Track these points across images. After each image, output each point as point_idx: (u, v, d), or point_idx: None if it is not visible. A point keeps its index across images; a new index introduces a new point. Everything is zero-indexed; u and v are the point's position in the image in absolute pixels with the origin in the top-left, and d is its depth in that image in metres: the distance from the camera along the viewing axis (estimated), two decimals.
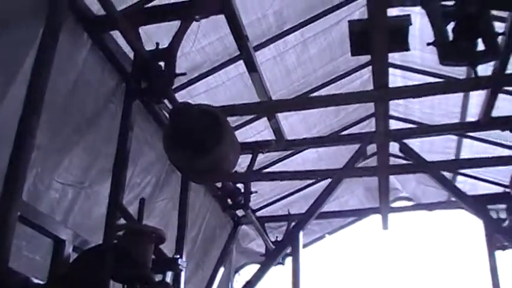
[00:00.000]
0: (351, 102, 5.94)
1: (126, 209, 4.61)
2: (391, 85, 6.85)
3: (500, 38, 4.05)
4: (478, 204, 6.44)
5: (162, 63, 4.71)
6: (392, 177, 9.70)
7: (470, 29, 3.93)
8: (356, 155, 6.42)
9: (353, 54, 4.77)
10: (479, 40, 4.02)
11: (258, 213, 9.51)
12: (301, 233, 6.61)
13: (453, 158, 8.45)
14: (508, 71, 5.47)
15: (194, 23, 4.79)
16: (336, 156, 8.08)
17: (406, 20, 4.43)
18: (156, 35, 4.88)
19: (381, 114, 5.47)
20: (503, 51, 4.59)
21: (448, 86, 5.16)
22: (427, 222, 14.13)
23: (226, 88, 6.32)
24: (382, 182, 6.96)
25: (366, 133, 6.82)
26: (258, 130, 7.28)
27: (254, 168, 6.74)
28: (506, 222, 7.50)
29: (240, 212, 8.74)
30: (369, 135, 6.54)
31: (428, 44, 4.01)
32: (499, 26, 4.23)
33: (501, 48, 4.08)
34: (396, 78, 7.12)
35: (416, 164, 6.33)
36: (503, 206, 7.72)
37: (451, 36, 4.02)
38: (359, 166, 6.50)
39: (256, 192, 7.67)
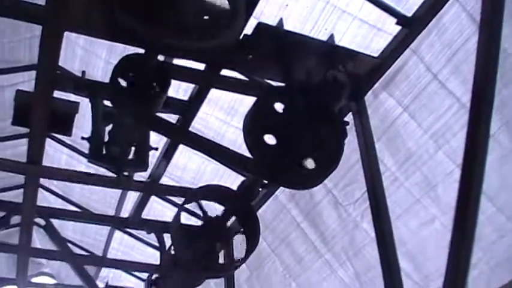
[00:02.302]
0: (1, 168, 5.60)
1: None
2: (55, 162, 6.72)
3: (151, 153, 4.22)
4: None
5: None
6: None
7: (125, 137, 4.03)
8: None
9: (13, 124, 4.56)
10: (133, 148, 4.13)
11: None
12: None
13: (103, 244, 8.45)
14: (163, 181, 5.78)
15: None
16: None
17: (73, 107, 4.39)
18: None
19: (29, 188, 5.27)
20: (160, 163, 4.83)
21: (100, 180, 5.20)
22: None
23: None
24: (21, 259, 6.64)
25: (12, 202, 6.46)
26: None
27: None
28: None
29: None
30: (15, 205, 6.19)
31: (83, 139, 3.99)
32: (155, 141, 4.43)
33: (149, 162, 4.24)
34: (62, 156, 6.98)
35: (58, 252, 6.17)
36: None
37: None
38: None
39: None
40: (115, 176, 4.91)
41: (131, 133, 4.04)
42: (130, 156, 4.12)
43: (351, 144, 4.59)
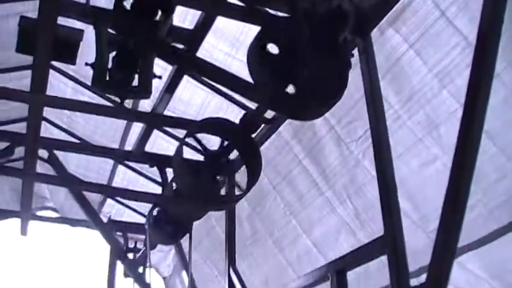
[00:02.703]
0: (2, 97, 5.59)
1: None
2: (60, 94, 6.71)
3: (156, 80, 4.21)
4: (110, 230, 6.58)
5: None
6: (43, 185, 9.44)
7: (128, 63, 4.01)
8: (2, 153, 6.07)
9: (17, 51, 4.54)
10: (136, 76, 4.12)
11: None
12: None
13: (107, 179, 8.52)
14: (167, 111, 5.79)
15: None
16: None
17: (77, 35, 4.37)
18: None
19: (33, 118, 5.28)
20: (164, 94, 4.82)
21: (103, 110, 5.20)
22: (72, 236, 14.04)
23: None
24: (25, 187, 6.71)
25: (16, 133, 6.48)
26: None
27: None
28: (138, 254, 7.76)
29: None
30: (19, 136, 6.21)
31: (87, 65, 3.98)
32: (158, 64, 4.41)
33: (152, 90, 4.23)
34: (67, 89, 6.97)
35: (61, 178, 6.21)
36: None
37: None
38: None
39: None
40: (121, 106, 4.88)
41: (135, 60, 4.03)
42: (134, 84, 4.12)
43: (355, 81, 4.56)
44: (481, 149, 4.40)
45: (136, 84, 4.10)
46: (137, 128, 6.81)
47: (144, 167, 7.71)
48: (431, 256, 3.19)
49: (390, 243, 3.59)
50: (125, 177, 8.27)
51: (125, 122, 7.08)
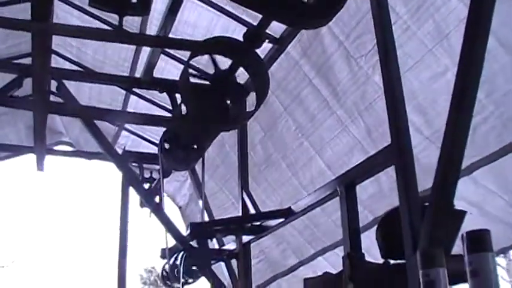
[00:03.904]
0: (4, 26, 5.50)
1: None
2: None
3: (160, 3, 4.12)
4: (123, 159, 6.61)
5: None
6: (57, 120, 9.48)
7: None
8: (11, 84, 6.04)
9: None
10: None
11: None
12: None
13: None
14: (173, 35, 5.70)
15: None
16: None
17: None
18: None
19: (39, 47, 5.21)
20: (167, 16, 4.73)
21: (106, 34, 5.12)
22: (89, 170, 14.27)
23: None
24: (37, 119, 6.69)
25: (23, 64, 6.42)
26: None
27: None
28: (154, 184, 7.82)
29: None
30: (26, 66, 6.17)
31: None
32: None
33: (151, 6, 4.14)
34: (73, 19, 6.88)
35: (71, 107, 6.20)
36: None
37: None
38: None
39: None
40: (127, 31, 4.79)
41: None
42: (133, 0, 4.03)
43: None
44: (493, 58, 4.30)
45: (135, 1, 4.01)
46: (145, 57, 6.75)
47: (155, 96, 7.69)
48: (436, 170, 3.10)
49: (397, 152, 3.54)
50: (137, 107, 8.23)
51: (133, 51, 7.02)
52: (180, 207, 9.86)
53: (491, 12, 3.02)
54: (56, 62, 7.51)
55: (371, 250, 3.92)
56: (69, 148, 10.08)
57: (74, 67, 7.79)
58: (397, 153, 3.52)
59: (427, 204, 3.23)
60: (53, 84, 6.58)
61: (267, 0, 3.48)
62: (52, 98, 6.76)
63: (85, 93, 8.25)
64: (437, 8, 4.32)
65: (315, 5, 3.68)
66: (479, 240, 2.39)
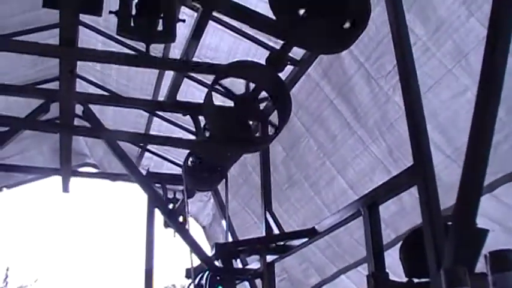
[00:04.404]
0: (33, 52, 5.64)
1: None
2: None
3: (180, 24, 4.23)
4: (146, 180, 6.72)
5: None
6: (82, 142, 9.65)
7: (152, 8, 4.04)
8: (39, 109, 6.20)
9: (44, 6, 4.58)
10: (161, 20, 4.15)
11: None
12: None
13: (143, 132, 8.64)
14: (196, 59, 5.81)
15: None
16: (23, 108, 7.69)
17: None
18: None
19: (65, 72, 5.36)
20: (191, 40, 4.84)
21: (131, 59, 5.25)
22: (113, 192, 14.40)
23: None
24: (63, 141, 6.85)
25: (50, 89, 6.58)
26: None
27: None
28: (177, 204, 7.91)
29: None
30: (53, 91, 6.33)
31: (111, 13, 4.02)
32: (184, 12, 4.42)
33: (176, 34, 4.25)
34: (97, 44, 7.05)
35: (96, 129, 6.33)
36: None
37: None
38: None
39: None
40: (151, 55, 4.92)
41: (158, 4, 4.05)
42: (159, 28, 4.15)
43: (382, 16, 4.50)
44: None
45: (161, 29, 4.13)
46: (169, 80, 6.88)
47: (179, 118, 7.82)
48: (459, 189, 3.14)
49: (420, 171, 3.59)
50: (160, 130, 8.37)
51: (156, 74, 7.16)
52: (203, 227, 9.95)
53: (510, 32, 3.06)
54: (80, 86, 7.67)
55: (393, 268, 3.97)
56: (93, 170, 10.25)
57: (99, 90, 7.95)
58: (420, 173, 3.57)
59: (450, 223, 3.27)
60: (78, 108, 6.74)
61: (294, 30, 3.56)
62: (76, 121, 6.92)
63: (108, 115, 8.39)
64: (456, 29, 4.39)
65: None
66: (503, 260, 2.44)
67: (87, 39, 7.09)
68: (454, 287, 2.68)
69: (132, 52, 6.47)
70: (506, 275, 2.43)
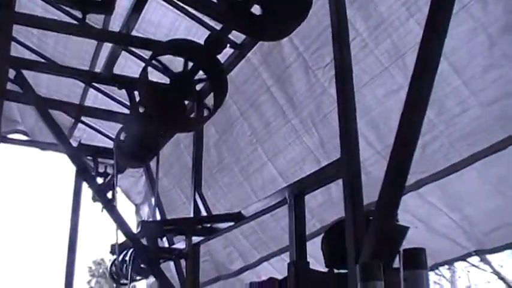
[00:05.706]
0: None
1: None
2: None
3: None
4: (77, 152, 6.58)
5: None
6: (14, 108, 9.34)
7: None
8: None
9: None
10: None
11: None
12: None
13: (77, 102, 8.44)
14: (136, 33, 5.70)
15: None
16: None
17: None
18: None
19: (1, 35, 5.15)
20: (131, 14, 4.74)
21: (69, 27, 5.08)
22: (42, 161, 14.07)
23: None
24: None
25: None
26: None
27: None
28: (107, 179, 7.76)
29: None
30: None
31: None
32: None
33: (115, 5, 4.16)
34: (36, 8, 6.81)
35: (28, 96, 6.13)
36: None
37: None
38: None
39: None
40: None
41: None
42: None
43: (325, 7, 4.51)
44: (445, 82, 4.45)
45: None
46: (107, 51, 6.73)
47: (114, 91, 7.66)
48: (381, 186, 3.15)
49: (345, 166, 3.63)
50: (95, 101, 8.18)
51: (95, 44, 6.98)
52: (136, 205, 9.83)
53: (444, 36, 3.11)
54: (15, 49, 7.42)
55: (319, 256, 4.02)
56: (24, 137, 9.95)
57: (34, 56, 7.70)
58: (346, 167, 3.61)
59: (371, 218, 3.33)
60: (11, 73, 6.51)
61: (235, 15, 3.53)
62: (9, 85, 6.68)
63: (43, 81, 8.15)
64: (396, 28, 4.46)
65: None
66: (415, 258, 2.50)
67: (25, 2, 6.84)
68: (368, 281, 2.74)
69: (72, 20, 6.29)
70: (417, 272, 2.51)
